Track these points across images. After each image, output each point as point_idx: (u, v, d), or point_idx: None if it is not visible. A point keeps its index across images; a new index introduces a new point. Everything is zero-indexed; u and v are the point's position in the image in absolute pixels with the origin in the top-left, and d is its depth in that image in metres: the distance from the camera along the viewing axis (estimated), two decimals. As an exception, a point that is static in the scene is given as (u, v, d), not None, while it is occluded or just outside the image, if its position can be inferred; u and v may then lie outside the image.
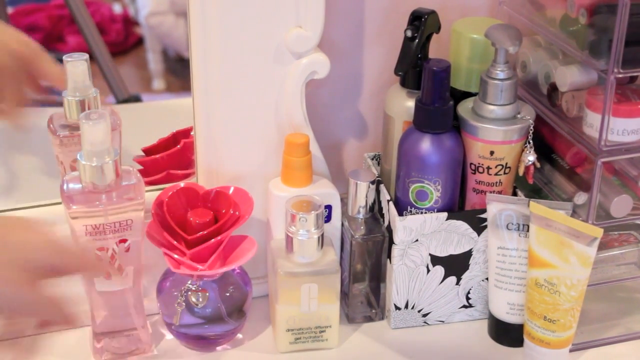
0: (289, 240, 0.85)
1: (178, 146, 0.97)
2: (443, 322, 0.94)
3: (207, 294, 0.86)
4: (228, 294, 0.87)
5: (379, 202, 0.92)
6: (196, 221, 0.85)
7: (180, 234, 0.84)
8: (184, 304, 0.86)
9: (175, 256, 0.84)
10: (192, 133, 0.91)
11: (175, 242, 0.84)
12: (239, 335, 0.91)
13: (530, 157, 0.87)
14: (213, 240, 0.84)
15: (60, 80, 0.90)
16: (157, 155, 0.98)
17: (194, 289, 0.86)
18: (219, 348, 0.90)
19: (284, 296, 0.86)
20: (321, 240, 0.85)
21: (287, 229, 0.85)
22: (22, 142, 1.00)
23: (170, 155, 0.97)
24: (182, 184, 0.88)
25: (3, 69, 0.89)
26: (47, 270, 0.72)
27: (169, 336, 0.91)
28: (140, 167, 0.97)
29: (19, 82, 0.90)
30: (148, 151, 0.99)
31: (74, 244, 0.80)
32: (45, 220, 0.76)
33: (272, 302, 0.90)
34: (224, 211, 0.86)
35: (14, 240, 0.71)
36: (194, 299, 0.86)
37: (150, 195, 0.87)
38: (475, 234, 0.89)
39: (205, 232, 0.84)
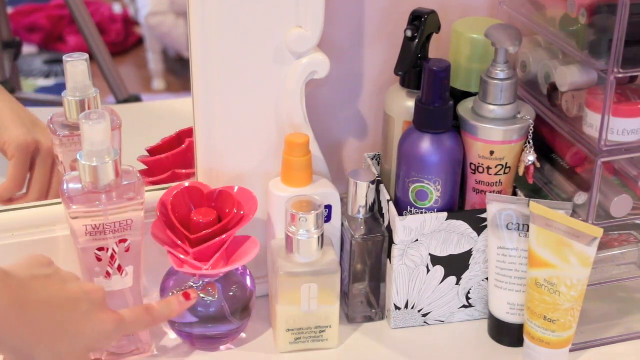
0: (289, 240, 0.85)
1: (183, 146, 0.98)
2: (443, 322, 0.94)
3: (216, 289, 0.86)
4: (232, 294, 0.87)
5: (379, 202, 0.92)
6: (200, 220, 0.85)
7: (184, 233, 0.84)
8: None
9: (181, 256, 0.84)
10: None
11: (179, 242, 0.84)
12: (243, 335, 0.91)
13: (530, 157, 0.87)
14: (217, 239, 0.84)
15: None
16: (162, 155, 0.98)
17: (195, 287, 0.86)
18: (222, 347, 0.90)
19: (284, 296, 0.86)
20: (321, 240, 0.85)
21: (287, 229, 0.85)
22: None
23: (176, 155, 0.98)
24: (186, 183, 0.88)
25: (42, 149, 0.93)
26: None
27: (169, 335, 0.91)
28: (145, 167, 0.97)
29: (48, 167, 0.94)
30: (152, 151, 0.99)
31: (136, 311, 0.79)
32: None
33: (272, 302, 0.90)
34: (227, 210, 0.86)
35: (79, 329, 0.72)
36: (202, 295, 0.86)
37: (152, 195, 0.87)
38: (475, 234, 0.89)
39: (209, 231, 0.84)
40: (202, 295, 0.86)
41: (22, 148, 0.91)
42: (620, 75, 0.79)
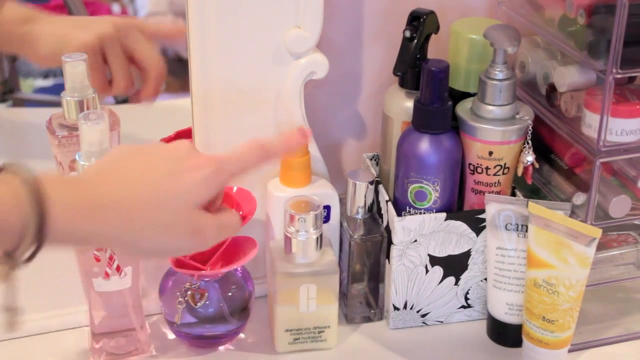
0: (288, 241, 0.85)
1: None
2: (442, 322, 0.94)
3: (206, 294, 0.86)
4: (230, 294, 0.87)
5: (378, 203, 0.92)
6: None
7: None
8: (184, 302, 0.86)
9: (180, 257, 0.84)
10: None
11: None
12: (241, 335, 0.91)
13: (529, 157, 0.87)
14: None
15: (174, 34, 0.91)
16: None
17: (193, 288, 0.86)
18: (221, 348, 0.90)
19: (283, 296, 0.86)
20: (320, 240, 0.85)
21: (286, 230, 0.85)
22: (21, 142, 1.00)
23: None
24: None
25: (107, 39, 0.90)
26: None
27: (168, 336, 0.91)
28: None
29: (121, 53, 0.92)
30: None
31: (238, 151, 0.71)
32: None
33: (271, 303, 0.90)
34: None
35: (174, 188, 0.66)
36: (193, 298, 0.86)
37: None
38: (474, 234, 0.89)
39: None
40: (191, 299, 0.86)
41: (87, 50, 0.89)
42: (618, 76, 0.79)
